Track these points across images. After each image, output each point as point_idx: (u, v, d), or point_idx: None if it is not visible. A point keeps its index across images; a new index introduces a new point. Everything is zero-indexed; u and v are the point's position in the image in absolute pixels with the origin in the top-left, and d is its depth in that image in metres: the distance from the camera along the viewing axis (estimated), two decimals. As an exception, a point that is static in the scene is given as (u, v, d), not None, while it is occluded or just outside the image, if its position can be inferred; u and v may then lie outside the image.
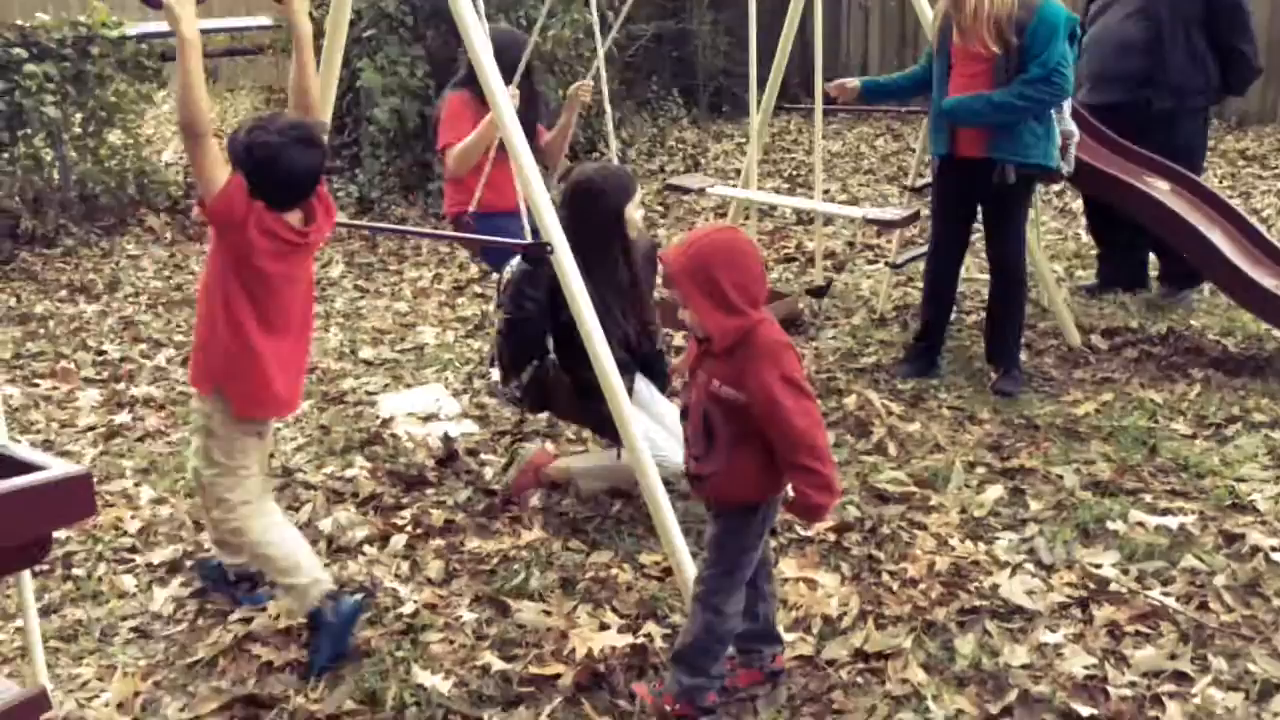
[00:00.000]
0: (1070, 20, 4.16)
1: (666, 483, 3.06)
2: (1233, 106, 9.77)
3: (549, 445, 4.06)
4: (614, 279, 3.52)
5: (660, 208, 7.89)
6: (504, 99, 3.07)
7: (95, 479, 3.84)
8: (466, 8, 3.08)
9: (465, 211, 4.25)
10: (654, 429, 3.48)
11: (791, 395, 2.38)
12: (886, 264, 5.58)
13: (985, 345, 4.65)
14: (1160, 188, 4.87)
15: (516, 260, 3.52)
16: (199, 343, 2.92)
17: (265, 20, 8.57)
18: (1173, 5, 5.02)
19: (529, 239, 3.44)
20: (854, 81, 4.81)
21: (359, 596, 3.06)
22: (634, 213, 3.53)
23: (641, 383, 3.65)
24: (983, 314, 5.38)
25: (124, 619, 3.15)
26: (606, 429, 3.44)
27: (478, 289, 6.31)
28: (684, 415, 2.59)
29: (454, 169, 4.44)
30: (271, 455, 4.04)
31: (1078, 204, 6.11)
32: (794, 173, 8.87)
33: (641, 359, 3.65)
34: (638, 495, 3.36)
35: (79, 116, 7.41)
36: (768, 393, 2.36)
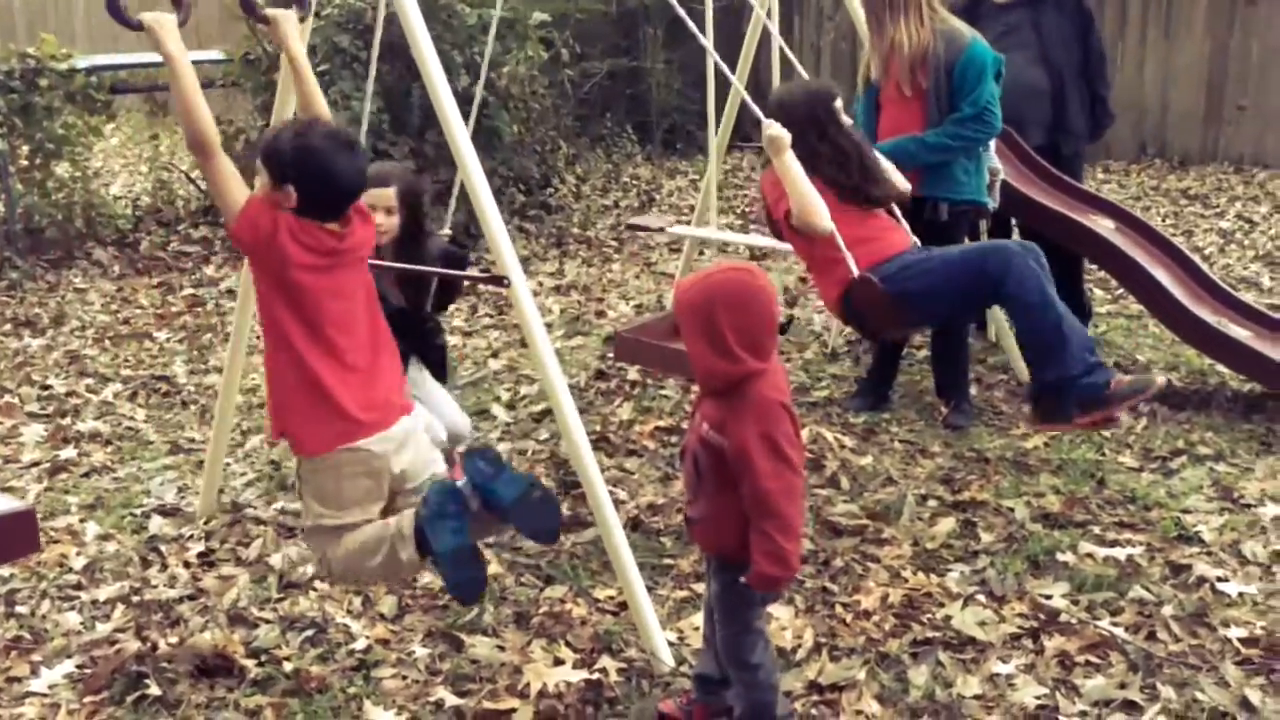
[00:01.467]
0: (996, 60, 4.29)
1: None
2: (1175, 147, 10.02)
3: None
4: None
5: (614, 242, 7.93)
6: (461, 133, 3.07)
7: (40, 515, 3.78)
8: (425, 44, 3.08)
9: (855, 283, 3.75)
10: (428, 417, 3.43)
11: (768, 456, 2.29)
12: (838, 299, 5.62)
13: (935, 380, 4.70)
14: (1105, 225, 4.97)
15: None
16: (268, 390, 2.74)
17: (216, 54, 8.54)
18: (1067, 54, 5.17)
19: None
20: None
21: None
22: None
23: (414, 368, 3.69)
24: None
25: (69, 656, 3.08)
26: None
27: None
28: (682, 455, 2.56)
29: (817, 229, 3.70)
30: (221, 490, 3.99)
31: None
32: (747, 209, 8.95)
33: (421, 347, 3.73)
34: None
35: (26, 149, 7.32)
36: (743, 446, 2.30)
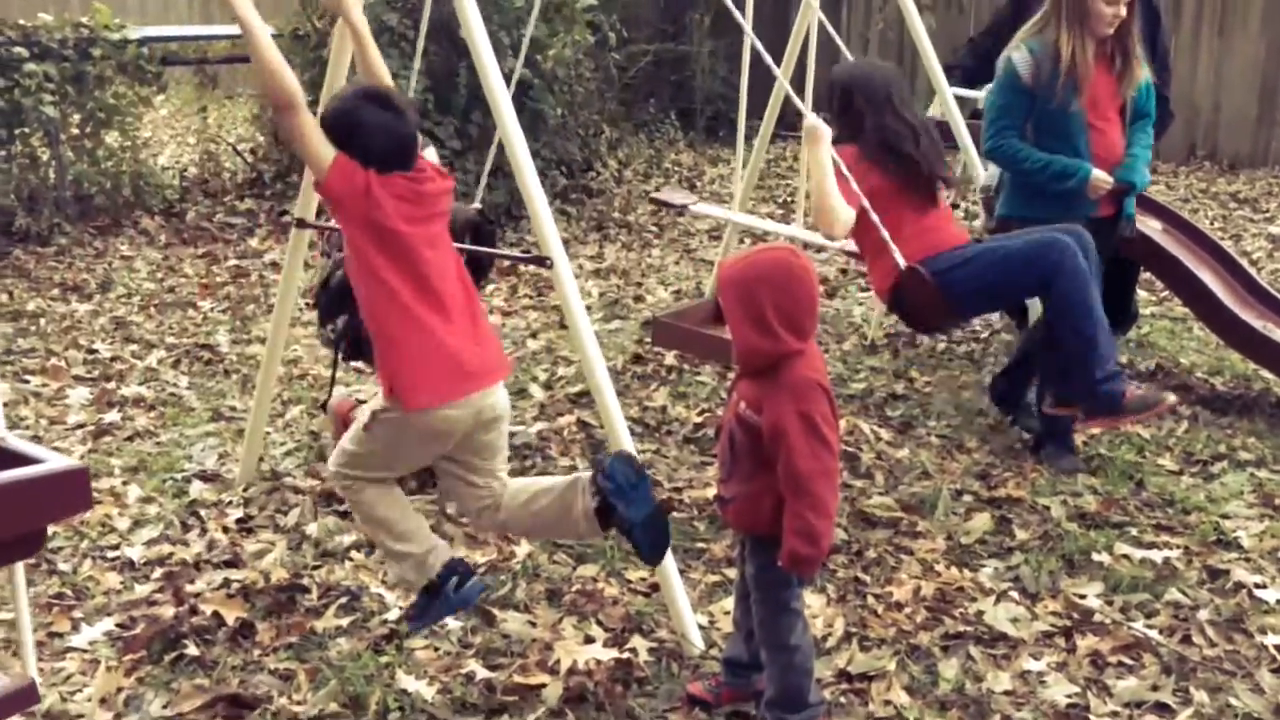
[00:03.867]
0: None
1: None
2: (1226, 149, 9.89)
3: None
4: None
5: (655, 228, 7.93)
6: (509, 115, 3.07)
7: (83, 476, 3.84)
8: (476, 23, 3.09)
9: (903, 275, 3.67)
10: None
11: (804, 435, 2.30)
12: (879, 292, 5.61)
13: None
14: (1152, 226, 4.92)
15: None
16: (376, 349, 2.69)
17: (269, 28, 8.61)
18: None
19: None
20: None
21: (481, 583, 2.81)
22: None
23: None
24: (974, 344, 5.43)
25: (109, 614, 3.14)
26: None
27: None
28: (717, 433, 2.57)
29: (830, 230, 3.67)
30: (261, 459, 4.04)
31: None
32: (789, 199, 8.92)
33: None
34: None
35: (77, 117, 7.42)
36: (779, 424, 2.31)
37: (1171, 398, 3.64)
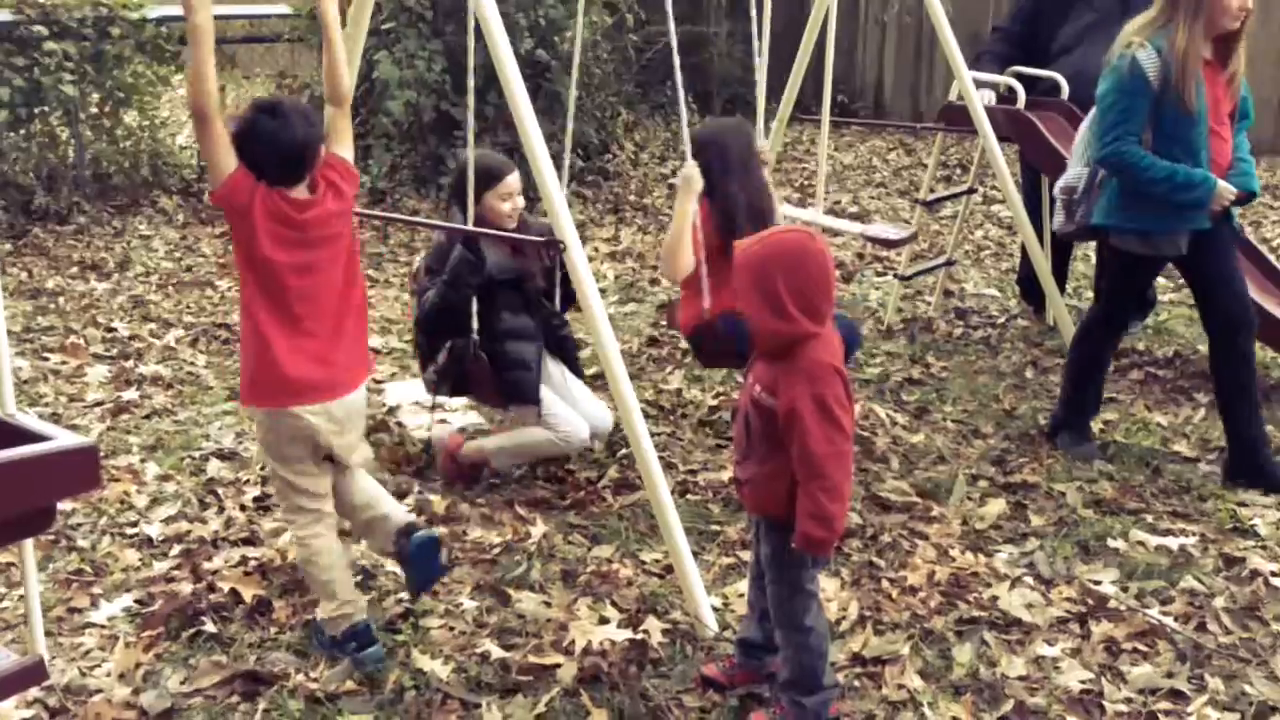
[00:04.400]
0: None
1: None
2: (1259, 142, 9.80)
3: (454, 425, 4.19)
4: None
5: (671, 210, 7.90)
6: (522, 96, 3.07)
7: (102, 453, 3.87)
8: (489, 4, 3.08)
9: (705, 321, 3.76)
10: (557, 402, 3.75)
11: (817, 418, 2.31)
12: (895, 276, 5.60)
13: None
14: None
15: (456, 249, 3.66)
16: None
17: (284, 8, 8.60)
18: None
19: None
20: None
21: (380, 653, 2.88)
22: (494, 201, 3.70)
23: (553, 364, 3.88)
24: (990, 329, 5.42)
25: (127, 591, 3.16)
26: (526, 396, 3.71)
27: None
28: (733, 416, 2.57)
29: (670, 273, 3.80)
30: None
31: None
32: (806, 183, 8.89)
33: (550, 333, 3.88)
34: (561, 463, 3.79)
35: (96, 96, 7.44)
36: (794, 407, 2.31)
37: None
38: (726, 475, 3.79)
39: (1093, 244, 5.69)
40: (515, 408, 3.80)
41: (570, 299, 3.92)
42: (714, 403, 4.49)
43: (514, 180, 3.73)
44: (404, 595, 3.12)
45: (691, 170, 3.63)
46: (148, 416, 4.40)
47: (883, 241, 4.88)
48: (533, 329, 3.78)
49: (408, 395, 4.54)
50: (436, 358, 3.74)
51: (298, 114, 2.72)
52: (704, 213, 3.71)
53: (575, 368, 3.99)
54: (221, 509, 3.65)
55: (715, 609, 3.02)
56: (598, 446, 4.03)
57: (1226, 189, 3.71)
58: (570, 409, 3.79)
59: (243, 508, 3.65)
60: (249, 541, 3.44)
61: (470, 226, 3.59)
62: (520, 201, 3.77)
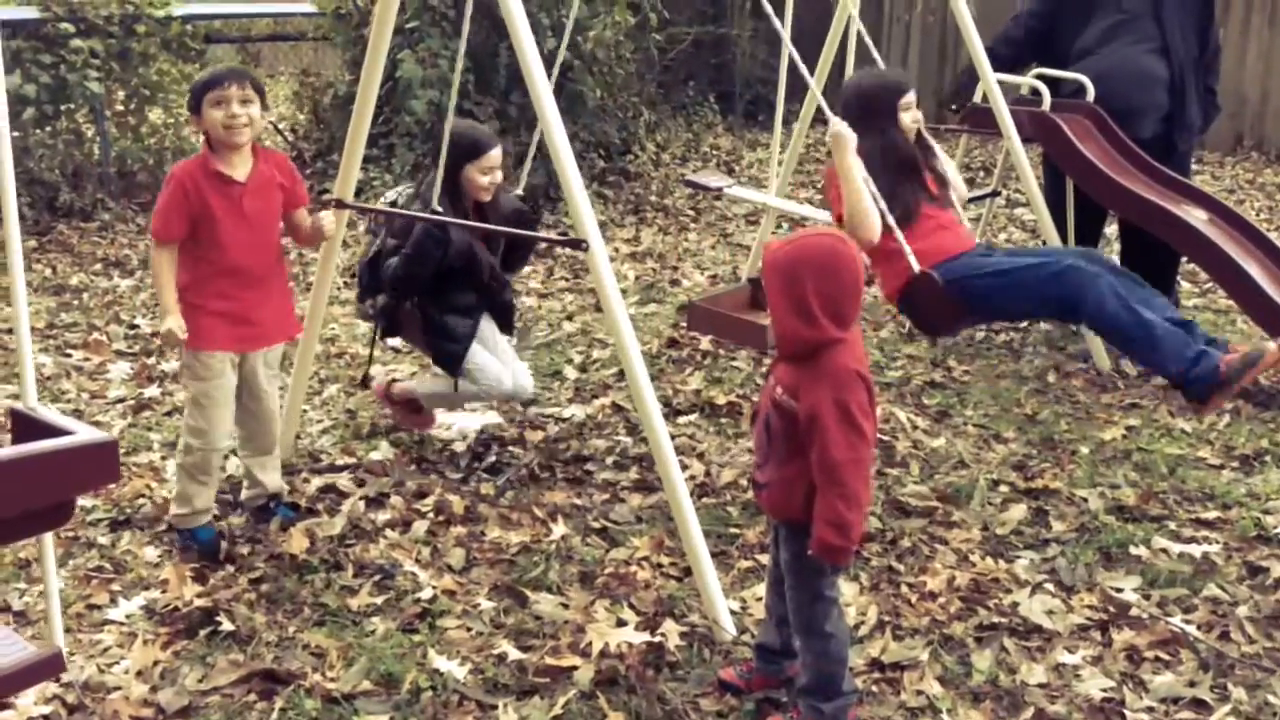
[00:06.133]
0: None
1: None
2: (1274, 139, 9.72)
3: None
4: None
5: (692, 211, 7.90)
6: (546, 96, 3.06)
7: (123, 450, 3.88)
8: (514, 3, 3.07)
9: (918, 277, 3.74)
10: (480, 353, 3.86)
11: (839, 422, 2.28)
12: (917, 279, 5.56)
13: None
14: (1197, 216, 4.84)
15: (402, 191, 3.96)
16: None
17: (308, 7, 8.64)
18: (1186, 45, 5.02)
19: None
20: None
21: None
22: (474, 173, 3.75)
23: (486, 323, 3.97)
24: (1012, 333, 5.38)
25: (146, 588, 3.18)
26: (448, 367, 3.85)
27: (507, 283, 6.33)
28: (753, 420, 2.55)
29: (865, 236, 3.71)
30: (298, 436, 4.07)
31: (1111, 228, 6.07)
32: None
33: (492, 303, 3.97)
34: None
35: (121, 94, 7.49)
36: (815, 409, 2.29)
37: (1274, 346, 3.54)
38: (746, 478, 3.78)
39: (1116, 245, 5.66)
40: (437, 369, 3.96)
41: (517, 261, 4.13)
42: (735, 403, 4.47)
43: (496, 154, 3.79)
44: (421, 595, 3.12)
45: (838, 127, 3.57)
46: (169, 413, 4.42)
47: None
48: (474, 304, 3.88)
49: (427, 394, 4.54)
50: (376, 297, 3.91)
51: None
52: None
53: (508, 328, 4.11)
54: (241, 507, 3.65)
55: (733, 612, 3.01)
56: (519, 407, 4.26)
57: None
58: (494, 360, 3.90)
59: (262, 506, 3.65)
60: (268, 538, 3.44)
61: (438, 196, 3.66)
62: (499, 176, 3.84)
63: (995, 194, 5.51)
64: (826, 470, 2.30)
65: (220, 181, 3.29)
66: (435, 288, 3.80)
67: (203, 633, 2.95)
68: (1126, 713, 2.67)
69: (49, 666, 2.00)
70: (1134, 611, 3.08)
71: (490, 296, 3.96)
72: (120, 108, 7.53)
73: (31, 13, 6.91)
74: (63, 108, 7.12)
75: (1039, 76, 5.08)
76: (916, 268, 3.63)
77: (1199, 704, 2.71)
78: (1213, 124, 5.32)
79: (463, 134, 3.74)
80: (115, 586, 3.19)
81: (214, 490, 3.45)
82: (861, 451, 2.32)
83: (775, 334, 2.40)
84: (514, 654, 2.85)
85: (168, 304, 3.18)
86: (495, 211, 3.89)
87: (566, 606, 3.07)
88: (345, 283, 6.01)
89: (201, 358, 3.29)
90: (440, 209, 3.65)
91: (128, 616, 3.04)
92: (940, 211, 4.05)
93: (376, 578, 3.22)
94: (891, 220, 3.57)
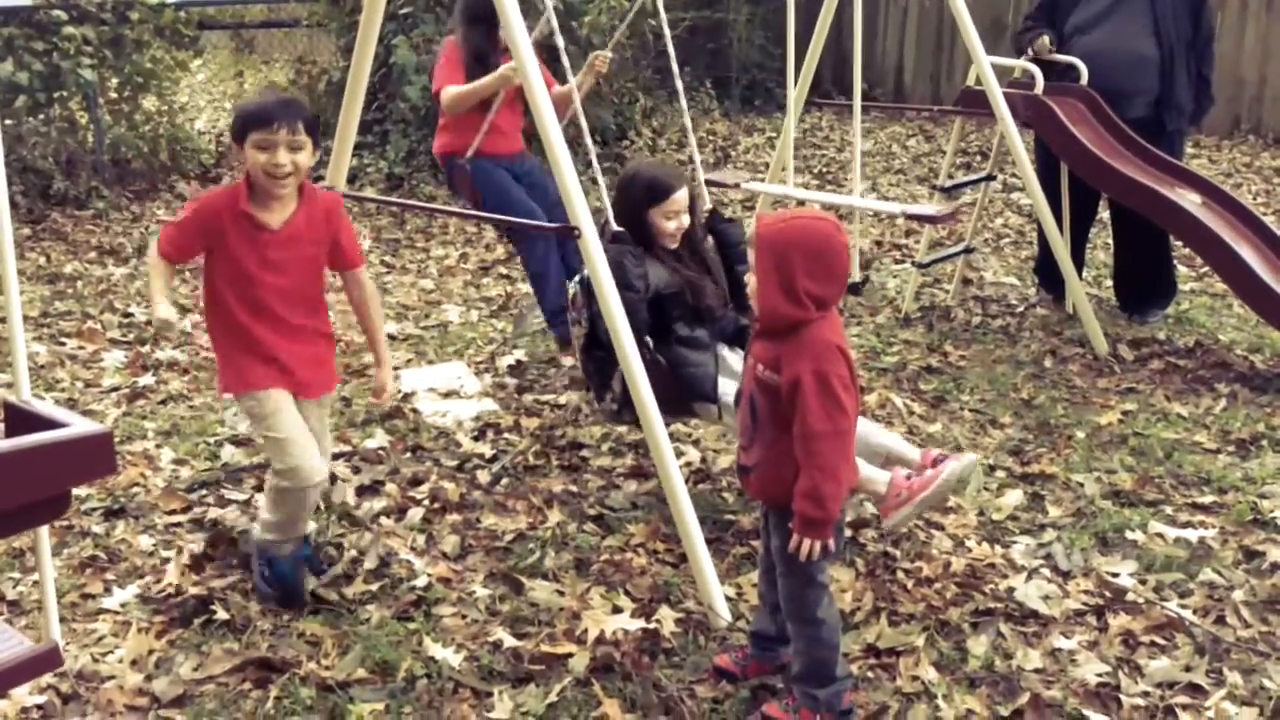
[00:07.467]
0: None
1: None
2: (1271, 123, 9.70)
3: None
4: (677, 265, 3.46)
5: (688, 198, 7.86)
6: (531, 62, 3.05)
7: (117, 439, 3.87)
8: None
9: (456, 154, 4.48)
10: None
11: (819, 394, 2.29)
12: (913, 264, 5.56)
13: None
14: (1191, 199, 4.83)
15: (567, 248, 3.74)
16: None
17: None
18: (1178, 28, 5.00)
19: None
20: None
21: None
22: (660, 219, 3.39)
23: (726, 351, 3.51)
24: (1009, 318, 5.37)
25: (140, 577, 3.17)
26: (696, 392, 3.34)
27: (503, 270, 6.31)
28: (737, 401, 2.55)
29: (448, 108, 4.53)
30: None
31: (1106, 214, 6.05)
32: (824, 169, 8.85)
33: (725, 333, 3.53)
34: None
35: (115, 81, 7.46)
36: (796, 380, 2.30)
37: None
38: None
39: (1110, 233, 5.66)
40: (696, 405, 3.41)
41: (738, 286, 3.55)
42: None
43: (681, 197, 3.38)
44: (417, 584, 3.11)
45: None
46: (163, 402, 4.41)
47: (926, 218, 4.76)
48: (707, 339, 3.44)
49: (423, 382, 4.54)
50: (612, 384, 3.36)
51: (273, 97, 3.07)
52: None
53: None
54: (236, 495, 3.64)
55: (729, 599, 3.00)
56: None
57: None
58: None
59: (258, 491, 3.64)
60: (263, 528, 3.44)
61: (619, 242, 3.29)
62: (685, 221, 3.43)
63: (990, 178, 5.50)
64: (805, 441, 2.30)
65: (249, 225, 2.92)
66: (661, 324, 3.35)
67: (197, 621, 2.94)
68: (1122, 697, 2.67)
69: (45, 661, 1.99)
70: (1130, 596, 3.08)
71: (720, 321, 3.51)
72: (114, 95, 7.50)
73: (24, 0, 6.88)
74: (56, 95, 7.09)
75: (1031, 59, 5.06)
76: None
77: (1195, 688, 2.71)
78: (1205, 114, 5.29)
79: (640, 173, 3.44)
80: (109, 575, 3.18)
81: (309, 519, 3.15)
82: (840, 423, 2.32)
83: (758, 305, 2.40)
84: (509, 641, 2.85)
85: (155, 292, 2.92)
86: (700, 250, 3.53)
87: (562, 593, 3.07)
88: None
89: (254, 397, 2.97)
90: (630, 262, 3.24)
91: (122, 605, 3.03)
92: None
93: (371, 566, 3.22)
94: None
